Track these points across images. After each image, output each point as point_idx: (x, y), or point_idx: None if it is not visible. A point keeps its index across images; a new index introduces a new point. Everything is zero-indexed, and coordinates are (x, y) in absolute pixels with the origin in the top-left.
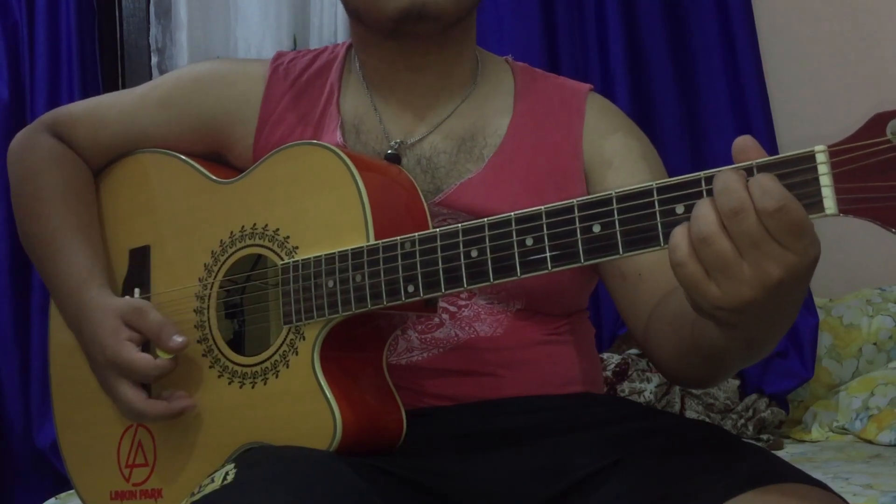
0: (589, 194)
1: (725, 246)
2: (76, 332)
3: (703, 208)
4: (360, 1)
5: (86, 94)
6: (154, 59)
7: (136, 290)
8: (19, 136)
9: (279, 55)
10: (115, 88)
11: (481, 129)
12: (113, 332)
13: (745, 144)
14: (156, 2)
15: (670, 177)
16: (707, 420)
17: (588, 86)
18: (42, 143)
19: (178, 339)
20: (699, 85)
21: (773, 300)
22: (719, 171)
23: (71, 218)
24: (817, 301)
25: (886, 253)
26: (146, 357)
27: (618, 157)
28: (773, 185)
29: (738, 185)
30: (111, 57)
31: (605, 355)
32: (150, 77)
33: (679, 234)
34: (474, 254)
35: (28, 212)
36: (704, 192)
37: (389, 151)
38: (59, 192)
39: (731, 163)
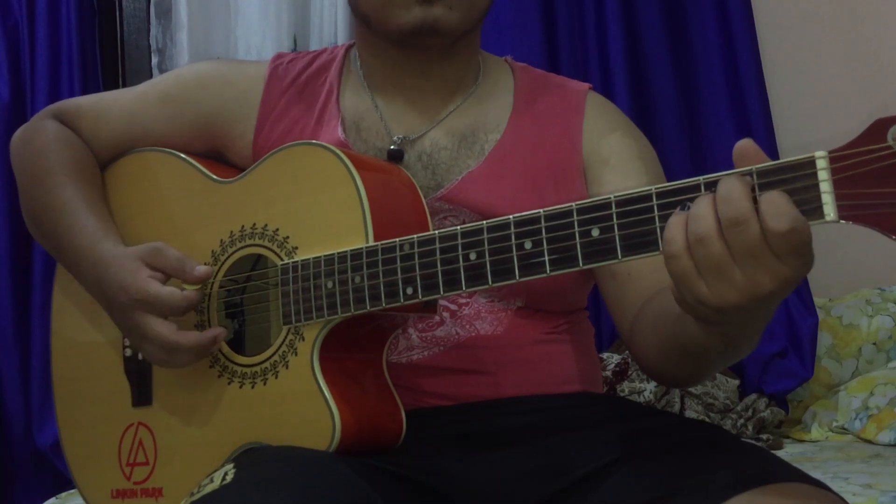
0: (587, 192)
1: (721, 249)
2: (92, 286)
3: (703, 208)
4: (372, 11)
5: (86, 95)
6: (154, 60)
7: None
8: (24, 126)
9: (278, 56)
10: (116, 88)
11: (482, 125)
12: (134, 272)
13: (745, 149)
14: (156, 2)
15: (668, 177)
16: (706, 420)
17: (587, 85)
18: (49, 126)
19: (201, 268)
20: (699, 85)
21: (758, 306)
22: (720, 176)
23: (81, 190)
24: (817, 301)
25: (886, 253)
26: (173, 289)
27: (615, 156)
28: (787, 205)
29: (740, 195)
30: (111, 57)
31: (605, 355)
32: (150, 77)
33: (675, 226)
34: (473, 256)
35: (37, 187)
36: None
37: (392, 147)
38: (69, 167)
39: (730, 164)
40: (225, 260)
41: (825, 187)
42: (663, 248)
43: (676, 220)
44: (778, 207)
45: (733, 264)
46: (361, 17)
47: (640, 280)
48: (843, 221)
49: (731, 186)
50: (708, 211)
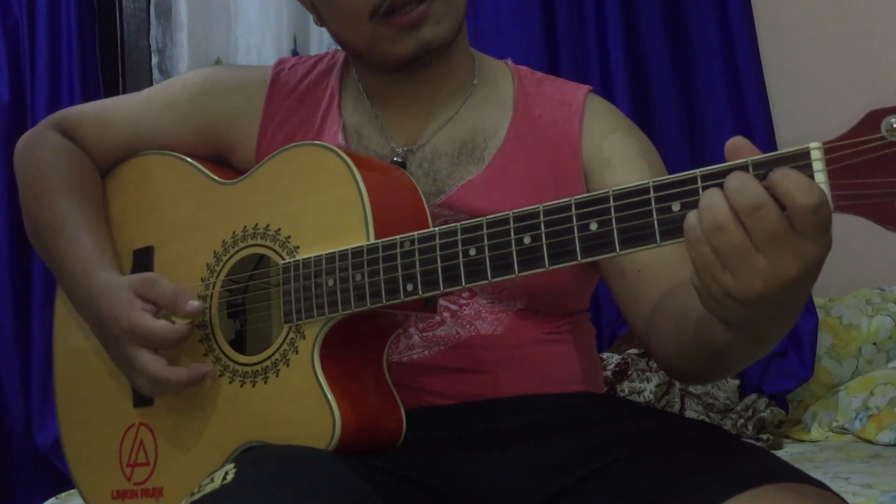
0: None
1: (740, 236)
2: (87, 314)
3: (714, 198)
4: (364, 48)
5: (86, 95)
6: (154, 60)
7: None
8: (27, 134)
9: (280, 61)
10: (116, 89)
11: (481, 131)
12: (127, 304)
13: (738, 146)
14: (156, 2)
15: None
16: (706, 420)
17: (587, 87)
18: (50, 138)
19: (194, 303)
20: (699, 85)
21: (785, 294)
22: (716, 168)
23: (79, 209)
24: (817, 301)
25: (886, 253)
26: (165, 323)
27: (616, 156)
28: (810, 181)
29: (753, 182)
30: (111, 57)
31: (604, 355)
32: (150, 77)
33: (695, 215)
34: (473, 252)
35: (36, 202)
36: (700, 190)
37: (396, 159)
38: (68, 183)
39: None
40: (227, 260)
41: (820, 178)
42: (685, 235)
43: (693, 213)
44: (802, 184)
45: (755, 251)
46: (352, 53)
47: (652, 277)
48: (838, 212)
49: (741, 177)
50: (719, 200)
